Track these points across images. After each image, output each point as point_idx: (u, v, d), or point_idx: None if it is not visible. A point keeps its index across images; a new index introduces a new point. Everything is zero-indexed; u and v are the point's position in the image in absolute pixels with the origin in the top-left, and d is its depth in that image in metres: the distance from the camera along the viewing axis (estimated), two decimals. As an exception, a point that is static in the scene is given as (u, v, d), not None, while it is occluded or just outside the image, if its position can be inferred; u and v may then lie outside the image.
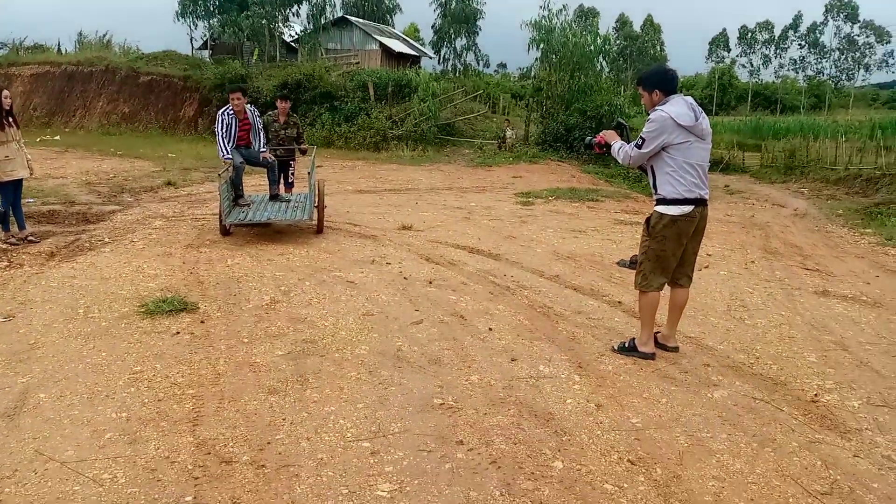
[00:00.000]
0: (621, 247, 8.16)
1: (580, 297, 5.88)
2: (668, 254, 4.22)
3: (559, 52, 20.86)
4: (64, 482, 2.81)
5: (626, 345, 4.48)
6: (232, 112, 7.97)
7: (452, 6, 45.00)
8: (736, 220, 11.69)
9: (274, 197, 8.69)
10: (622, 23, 72.15)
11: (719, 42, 73.86)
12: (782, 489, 2.86)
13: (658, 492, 2.82)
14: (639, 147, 4.10)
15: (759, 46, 70.49)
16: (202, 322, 4.85)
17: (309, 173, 8.43)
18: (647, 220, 4.29)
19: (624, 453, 3.13)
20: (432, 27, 47.30)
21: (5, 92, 7.36)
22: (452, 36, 45.66)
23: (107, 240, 7.80)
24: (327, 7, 33.82)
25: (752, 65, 70.95)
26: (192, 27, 33.31)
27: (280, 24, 33.55)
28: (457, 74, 43.59)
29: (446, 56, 46.66)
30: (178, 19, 32.70)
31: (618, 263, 7.31)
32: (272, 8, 31.22)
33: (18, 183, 7.60)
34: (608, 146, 4.55)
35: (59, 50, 33.95)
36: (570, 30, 21.39)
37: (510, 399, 3.71)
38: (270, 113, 9.11)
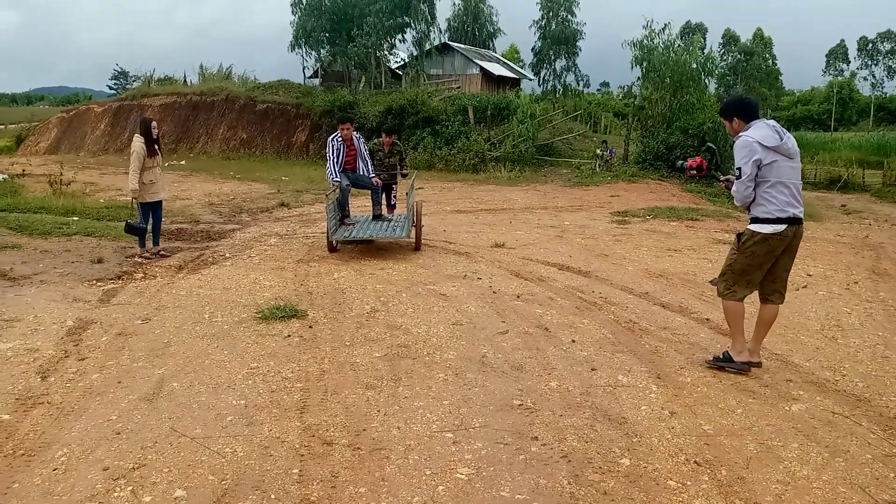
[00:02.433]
0: (716, 265, 8.04)
1: (667, 314, 5.98)
2: (754, 268, 4.32)
3: (660, 71, 20.65)
4: (194, 453, 3.33)
5: (721, 356, 4.53)
6: (340, 139, 8.73)
7: (552, 28, 45.23)
8: (847, 240, 11.17)
9: (377, 216, 9.33)
10: (729, 38, 69.64)
11: (837, 54, 69.83)
12: (847, 496, 2.94)
13: (720, 491, 2.98)
14: (739, 178, 4.22)
15: (881, 58, 65.93)
16: (310, 327, 5.40)
17: (407, 194, 9.00)
18: (739, 235, 4.39)
19: (691, 455, 3.30)
20: (532, 49, 47.70)
21: (154, 122, 8.39)
22: (552, 57, 45.82)
23: (227, 255, 8.62)
24: (431, 34, 35.02)
25: (874, 77, 66.48)
26: (305, 57, 35.46)
27: (386, 53, 35.04)
28: (556, 95, 43.70)
29: (546, 77, 46.87)
30: (292, 50, 34.95)
31: (710, 282, 7.29)
32: (378, 37, 32.73)
33: (158, 203, 8.51)
34: (700, 168, 4.73)
35: (185, 81, 37.05)
36: (673, 48, 21.10)
37: (586, 403, 3.94)
38: (376, 142, 9.99)
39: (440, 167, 22.51)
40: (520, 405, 3.91)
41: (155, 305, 6.14)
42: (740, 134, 4.26)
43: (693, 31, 70.22)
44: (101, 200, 14.23)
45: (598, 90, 67.85)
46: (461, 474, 3.10)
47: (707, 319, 5.80)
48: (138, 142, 8.18)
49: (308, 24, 33.12)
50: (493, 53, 46.74)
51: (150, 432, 3.57)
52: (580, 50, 46.14)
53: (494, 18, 48.24)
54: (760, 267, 4.32)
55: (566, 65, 46.01)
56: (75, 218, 10.72)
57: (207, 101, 31.45)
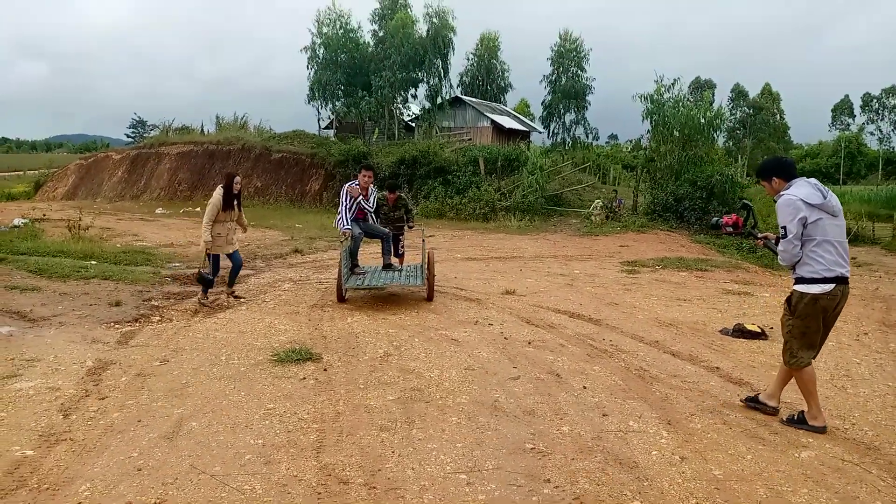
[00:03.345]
0: (726, 315, 8.17)
1: (677, 362, 6.04)
2: (813, 330, 4.28)
3: (670, 125, 21.05)
4: (214, 490, 3.41)
5: (796, 417, 4.47)
6: (357, 184, 8.75)
7: (562, 83, 46.26)
8: (857, 292, 11.19)
9: (387, 266, 9.32)
10: (738, 93, 70.86)
11: (843, 109, 70.77)
12: (857, 540, 2.98)
13: (730, 534, 3.02)
14: (784, 237, 4.20)
15: (887, 112, 66.77)
16: (325, 370, 5.50)
17: (423, 240, 9.13)
18: (788, 300, 4.37)
19: (702, 499, 3.35)
20: (542, 103, 48.67)
21: (237, 178, 8.55)
22: (562, 111, 46.71)
23: (243, 299, 8.77)
24: (443, 88, 35.90)
25: (881, 132, 67.16)
26: (320, 109, 36.38)
27: (399, 106, 35.91)
28: (566, 147, 44.35)
29: (556, 130, 47.67)
30: (308, 102, 35.91)
31: (720, 332, 7.36)
32: (392, 91, 33.60)
33: (233, 254, 8.74)
34: (735, 226, 4.80)
35: (202, 130, 37.95)
36: (683, 103, 21.55)
37: (598, 448, 4.00)
38: (380, 196, 9.88)
39: (451, 216, 22.79)
40: (532, 448, 3.97)
41: (172, 347, 6.27)
42: (782, 193, 4.26)
43: (703, 87, 71.60)
44: (118, 245, 14.51)
45: (606, 142, 68.72)
46: (475, 514, 3.16)
47: (717, 368, 5.86)
48: (217, 194, 8.38)
49: (324, 78, 34.12)
50: (504, 107, 47.68)
51: (171, 469, 3.65)
52: (589, 104, 47.05)
53: (506, 74, 49.39)
54: (818, 329, 4.28)
55: (575, 118, 46.84)
56: (93, 262, 10.94)
57: (223, 149, 32.13)
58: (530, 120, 51.46)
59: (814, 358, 4.45)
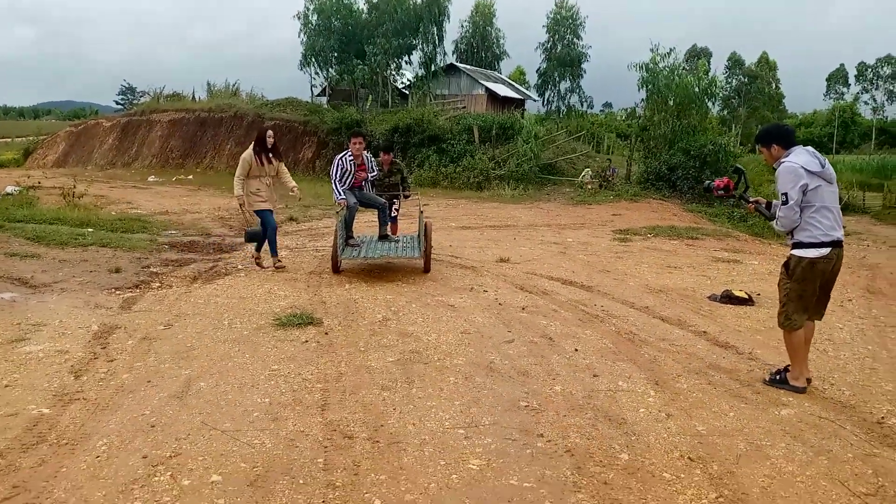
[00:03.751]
0: (715, 283, 8.37)
1: (666, 327, 6.25)
2: (809, 294, 4.46)
3: (664, 94, 21.08)
4: (225, 444, 3.60)
5: (778, 377, 4.66)
6: (351, 158, 8.51)
7: (558, 51, 45.93)
8: (844, 260, 11.40)
9: (383, 237, 9.18)
10: (734, 62, 70.50)
11: (837, 78, 70.62)
12: (828, 489, 3.20)
13: (711, 483, 3.24)
14: (785, 203, 4.31)
15: (881, 82, 66.66)
16: (326, 333, 5.68)
17: (420, 210, 9.09)
18: (786, 264, 4.52)
19: (685, 452, 3.56)
20: (537, 71, 48.42)
21: (270, 131, 8.40)
22: (557, 79, 46.47)
23: (240, 267, 8.91)
24: (437, 55, 35.59)
25: (875, 101, 67.16)
26: (314, 75, 36.06)
27: (393, 72, 35.62)
28: (560, 116, 44.24)
29: (550, 98, 47.50)
30: (301, 69, 35.57)
31: (709, 298, 7.56)
32: (386, 57, 33.30)
33: (269, 212, 8.45)
34: (727, 188, 4.92)
35: (193, 98, 37.60)
36: (677, 72, 21.54)
37: (588, 405, 4.21)
38: (376, 162, 9.57)
39: (445, 184, 22.86)
40: (526, 406, 4.17)
41: (175, 312, 6.42)
42: (782, 160, 4.38)
43: (699, 56, 71.13)
44: (113, 213, 14.56)
45: (601, 111, 68.53)
46: (473, 465, 3.37)
47: (704, 332, 6.06)
48: (248, 149, 8.32)
49: (317, 44, 33.73)
50: (499, 75, 47.37)
51: (183, 426, 3.83)
52: (584, 72, 46.83)
53: (501, 41, 48.99)
54: (813, 293, 4.46)
55: (570, 86, 46.67)
56: (90, 229, 11.02)
57: (215, 117, 31.90)
58: (525, 88, 51.16)
59: (818, 319, 4.66)
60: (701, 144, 19.95)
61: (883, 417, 4.10)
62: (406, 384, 4.50)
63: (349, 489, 3.12)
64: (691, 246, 11.86)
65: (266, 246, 8.64)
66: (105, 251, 9.37)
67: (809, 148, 4.44)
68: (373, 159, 9.18)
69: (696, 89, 20.99)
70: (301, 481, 3.19)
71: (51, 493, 3.10)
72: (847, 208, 23.65)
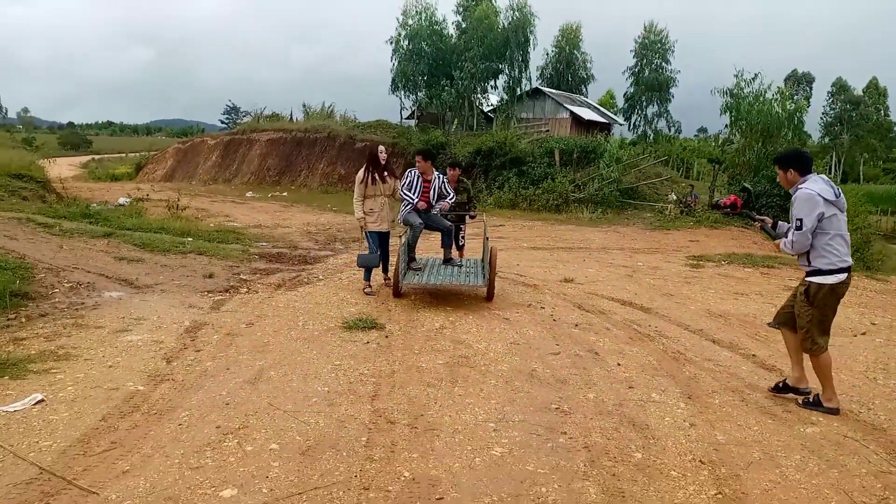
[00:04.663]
0: (779, 310, 8.32)
1: (716, 349, 6.39)
2: (830, 318, 4.71)
3: (747, 119, 20.69)
4: (285, 421, 4.16)
5: (811, 400, 4.82)
6: (416, 173, 8.20)
7: (645, 75, 45.50)
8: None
9: (447, 261, 8.85)
10: (839, 87, 67.20)
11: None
12: (829, 496, 3.38)
13: (715, 483, 3.49)
14: (799, 229, 4.51)
15: None
16: (386, 337, 6.22)
17: (486, 237, 8.74)
18: (807, 291, 4.70)
19: (698, 456, 3.81)
20: (624, 95, 48.05)
21: (382, 147, 8.03)
22: (644, 103, 45.96)
23: (321, 277, 9.62)
24: (523, 80, 36.19)
25: None
26: (403, 99, 37.49)
27: (479, 96, 36.47)
28: (647, 140, 43.69)
29: (637, 123, 46.98)
30: (392, 93, 37.08)
31: (768, 324, 7.56)
32: (473, 82, 34.20)
33: (385, 234, 8.29)
34: (734, 206, 5.16)
35: (291, 118, 39.78)
36: (762, 97, 21.11)
37: (616, 412, 4.51)
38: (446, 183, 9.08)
39: (524, 206, 23.18)
40: (556, 409, 4.52)
41: (257, 314, 7.13)
42: (800, 186, 4.57)
43: (800, 80, 68.36)
44: (212, 225, 15.83)
45: (695, 135, 66.99)
46: (496, 452, 3.77)
47: (753, 355, 6.17)
48: (361, 169, 8.04)
49: (407, 69, 35.08)
50: (584, 98, 47.38)
51: (252, 405, 4.43)
52: (672, 97, 46.11)
53: (588, 65, 49.04)
54: (833, 316, 4.70)
55: (658, 111, 46.02)
56: (189, 239, 12.11)
57: (310, 137, 33.64)
58: (614, 112, 50.87)
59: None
60: (788, 172, 19.41)
61: (911, 441, 4.17)
62: (450, 383, 4.95)
63: (384, 462, 3.59)
64: (766, 275, 11.67)
65: (376, 269, 8.48)
66: (202, 258, 10.33)
67: (824, 176, 4.62)
68: (446, 182, 8.68)
69: (780, 113, 20.48)
70: (344, 454, 3.69)
71: (140, 449, 3.74)
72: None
